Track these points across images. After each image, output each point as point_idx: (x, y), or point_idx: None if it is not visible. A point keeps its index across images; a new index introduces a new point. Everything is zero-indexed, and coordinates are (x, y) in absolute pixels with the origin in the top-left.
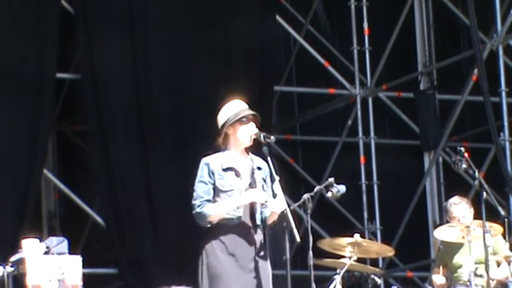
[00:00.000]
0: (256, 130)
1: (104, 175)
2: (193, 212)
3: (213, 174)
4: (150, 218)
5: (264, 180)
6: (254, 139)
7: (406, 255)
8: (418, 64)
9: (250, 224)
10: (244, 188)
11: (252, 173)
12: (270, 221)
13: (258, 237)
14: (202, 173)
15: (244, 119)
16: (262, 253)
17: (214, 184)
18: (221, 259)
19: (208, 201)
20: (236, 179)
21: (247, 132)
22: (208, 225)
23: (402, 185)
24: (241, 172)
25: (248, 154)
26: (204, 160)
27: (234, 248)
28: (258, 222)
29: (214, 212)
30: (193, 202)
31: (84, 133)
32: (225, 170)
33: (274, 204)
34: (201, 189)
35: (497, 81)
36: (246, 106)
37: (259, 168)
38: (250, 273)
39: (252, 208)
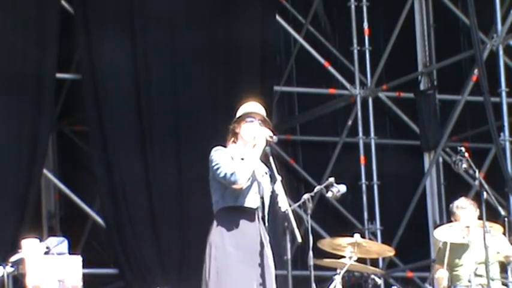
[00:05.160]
0: (259, 129)
1: (104, 175)
2: (226, 178)
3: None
4: (150, 218)
5: (266, 173)
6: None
7: (406, 255)
8: (418, 64)
9: (256, 216)
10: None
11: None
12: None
13: (264, 230)
14: (220, 152)
15: (249, 118)
16: (267, 247)
17: None
18: (228, 252)
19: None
20: None
21: (250, 130)
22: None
23: (402, 185)
24: None
25: None
26: (217, 147)
27: (240, 241)
28: (266, 214)
29: (244, 173)
30: (221, 170)
31: (84, 133)
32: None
33: (281, 201)
34: (225, 160)
35: (497, 81)
36: (259, 107)
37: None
38: (256, 267)
39: (261, 199)
